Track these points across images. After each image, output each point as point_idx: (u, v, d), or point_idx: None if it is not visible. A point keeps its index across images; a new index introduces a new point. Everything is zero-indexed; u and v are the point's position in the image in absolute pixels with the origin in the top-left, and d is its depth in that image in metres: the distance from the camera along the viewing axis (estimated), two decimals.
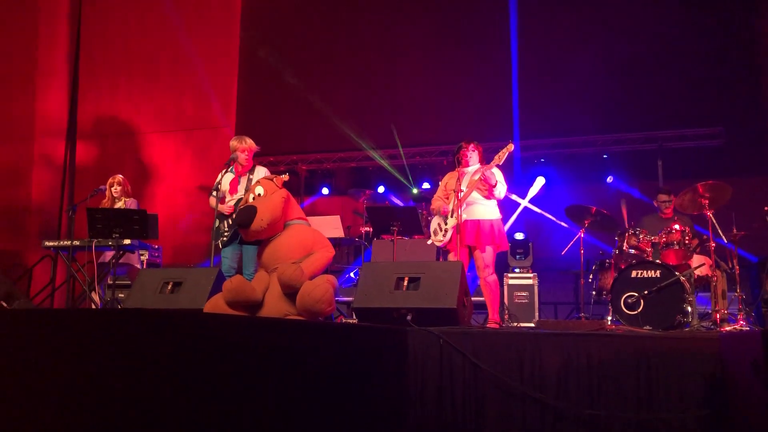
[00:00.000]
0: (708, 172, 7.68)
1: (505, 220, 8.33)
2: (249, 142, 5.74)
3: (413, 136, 9.74)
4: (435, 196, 5.81)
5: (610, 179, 8.62)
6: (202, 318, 2.75)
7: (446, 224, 5.48)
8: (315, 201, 10.04)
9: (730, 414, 3.27)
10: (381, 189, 9.58)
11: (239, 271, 5.60)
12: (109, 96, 10.68)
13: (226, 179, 5.72)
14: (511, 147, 5.54)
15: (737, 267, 5.47)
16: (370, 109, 10.00)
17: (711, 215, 5.44)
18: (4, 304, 5.99)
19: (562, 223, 8.09)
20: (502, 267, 7.42)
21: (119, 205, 6.64)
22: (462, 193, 5.35)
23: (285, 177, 4.76)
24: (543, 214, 8.50)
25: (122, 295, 6.33)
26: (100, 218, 5.84)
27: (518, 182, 8.84)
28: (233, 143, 5.74)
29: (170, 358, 2.13)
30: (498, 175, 5.45)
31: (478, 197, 5.43)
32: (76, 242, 6.08)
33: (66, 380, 2.10)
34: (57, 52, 10.60)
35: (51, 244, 6.33)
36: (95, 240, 5.96)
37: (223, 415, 2.34)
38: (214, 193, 5.57)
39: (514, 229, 8.44)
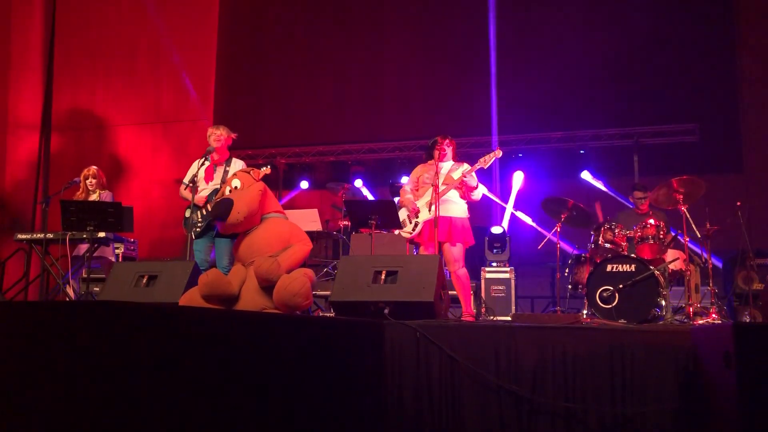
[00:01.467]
0: (683, 168, 7.77)
1: (494, 223, 8.33)
2: (222, 130, 5.75)
3: (393, 131, 9.75)
4: (404, 188, 5.86)
5: (585, 174, 8.67)
6: (178, 311, 2.73)
7: (417, 217, 5.55)
8: (294, 193, 9.99)
9: (703, 405, 3.32)
10: (358, 183, 9.56)
11: (213, 264, 5.56)
12: (85, 88, 10.53)
13: (201, 168, 5.69)
14: (498, 154, 5.63)
15: (710, 261, 5.54)
16: (349, 103, 9.98)
17: (685, 210, 5.51)
18: None
19: (546, 233, 8.03)
20: (478, 261, 7.46)
21: (94, 197, 6.55)
22: (439, 190, 5.39)
23: (267, 170, 4.74)
24: (527, 222, 8.46)
25: (97, 289, 6.26)
26: (74, 211, 5.75)
27: (496, 177, 8.89)
28: (209, 130, 5.78)
29: (145, 352, 2.11)
30: (476, 178, 5.54)
31: (453, 195, 5.52)
32: (50, 235, 5.99)
33: (40, 373, 2.07)
34: (31, 42, 10.43)
35: (24, 237, 6.23)
36: (69, 233, 5.87)
37: (198, 409, 2.32)
38: (190, 184, 5.52)
39: (492, 223, 8.48)
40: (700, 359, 3.39)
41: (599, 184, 8.45)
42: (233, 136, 5.80)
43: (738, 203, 5.67)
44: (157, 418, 2.13)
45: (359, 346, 3.71)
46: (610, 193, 8.45)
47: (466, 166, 5.57)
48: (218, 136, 5.70)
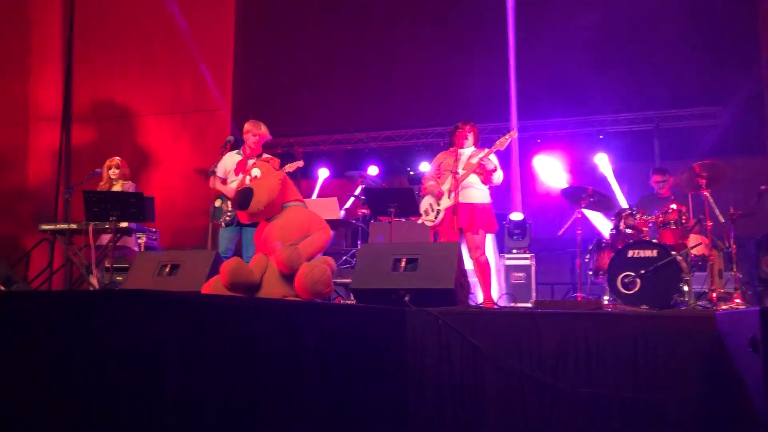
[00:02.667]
0: (705, 152, 7.68)
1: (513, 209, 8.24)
2: (264, 129, 5.83)
3: (410, 118, 9.72)
4: (427, 175, 5.82)
5: (599, 157, 8.57)
6: (201, 299, 2.75)
7: (438, 205, 5.49)
8: (311, 182, 9.99)
9: (728, 391, 3.29)
10: (373, 170, 9.51)
11: (237, 253, 5.60)
12: (105, 79, 10.60)
13: (233, 160, 5.76)
14: (514, 134, 5.58)
15: (734, 246, 5.47)
16: (367, 90, 9.96)
17: (708, 195, 5.44)
18: (3, 288, 5.99)
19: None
20: (499, 247, 7.44)
21: (117, 187, 6.61)
22: (459, 175, 5.35)
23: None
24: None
25: (120, 279, 6.32)
26: (97, 201, 5.81)
27: (515, 164, 8.84)
28: (247, 125, 5.82)
29: (169, 340, 2.12)
30: (495, 161, 5.47)
31: (474, 181, 5.45)
32: (73, 225, 6.07)
33: (64, 362, 2.10)
34: (51, 34, 10.51)
35: (47, 227, 6.31)
36: (92, 223, 5.94)
37: (223, 395, 2.34)
38: (220, 174, 5.63)
39: (512, 209, 8.44)
40: (726, 345, 3.36)
41: (609, 172, 8.34)
42: (269, 137, 5.90)
43: (762, 187, 5.60)
44: (182, 406, 2.15)
45: (381, 333, 3.72)
46: (616, 182, 8.37)
47: (485, 151, 5.53)
48: (256, 133, 5.74)
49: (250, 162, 5.74)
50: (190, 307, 2.30)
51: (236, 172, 5.72)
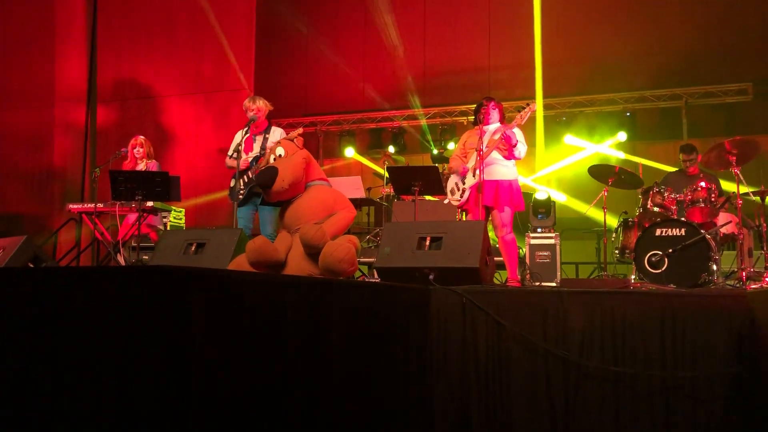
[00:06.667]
0: (734, 129, 7.54)
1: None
2: (260, 102, 5.74)
3: (435, 96, 9.65)
4: (453, 154, 5.77)
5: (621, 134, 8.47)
6: (229, 275, 2.76)
7: (464, 184, 5.46)
8: (335, 161, 10.00)
9: (758, 370, 3.25)
10: (391, 149, 9.46)
11: (255, 231, 5.62)
12: (128, 59, 10.66)
13: (241, 136, 5.75)
14: (533, 107, 5.47)
15: (764, 224, 5.37)
16: (390, 69, 9.90)
17: (738, 172, 5.33)
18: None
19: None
20: (524, 226, 7.38)
21: (141, 166, 6.66)
22: (483, 152, 5.31)
23: (299, 130, 4.74)
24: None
25: (146, 257, 6.39)
26: (123, 180, 5.87)
27: (541, 141, 8.76)
28: (246, 103, 5.78)
29: (198, 317, 2.14)
30: (519, 136, 5.40)
31: (498, 157, 5.39)
32: (100, 205, 6.14)
33: (99, 340, 2.12)
34: (75, 16, 10.57)
35: (75, 207, 6.39)
36: (118, 202, 6.01)
37: (249, 373, 2.35)
38: (235, 154, 5.58)
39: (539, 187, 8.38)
40: (757, 324, 3.31)
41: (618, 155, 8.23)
42: (267, 108, 5.82)
43: None
44: (208, 382, 2.16)
45: (405, 312, 3.72)
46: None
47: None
48: (257, 110, 5.70)
49: (258, 137, 5.73)
50: (218, 284, 2.30)
51: (245, 150, 5.70)
